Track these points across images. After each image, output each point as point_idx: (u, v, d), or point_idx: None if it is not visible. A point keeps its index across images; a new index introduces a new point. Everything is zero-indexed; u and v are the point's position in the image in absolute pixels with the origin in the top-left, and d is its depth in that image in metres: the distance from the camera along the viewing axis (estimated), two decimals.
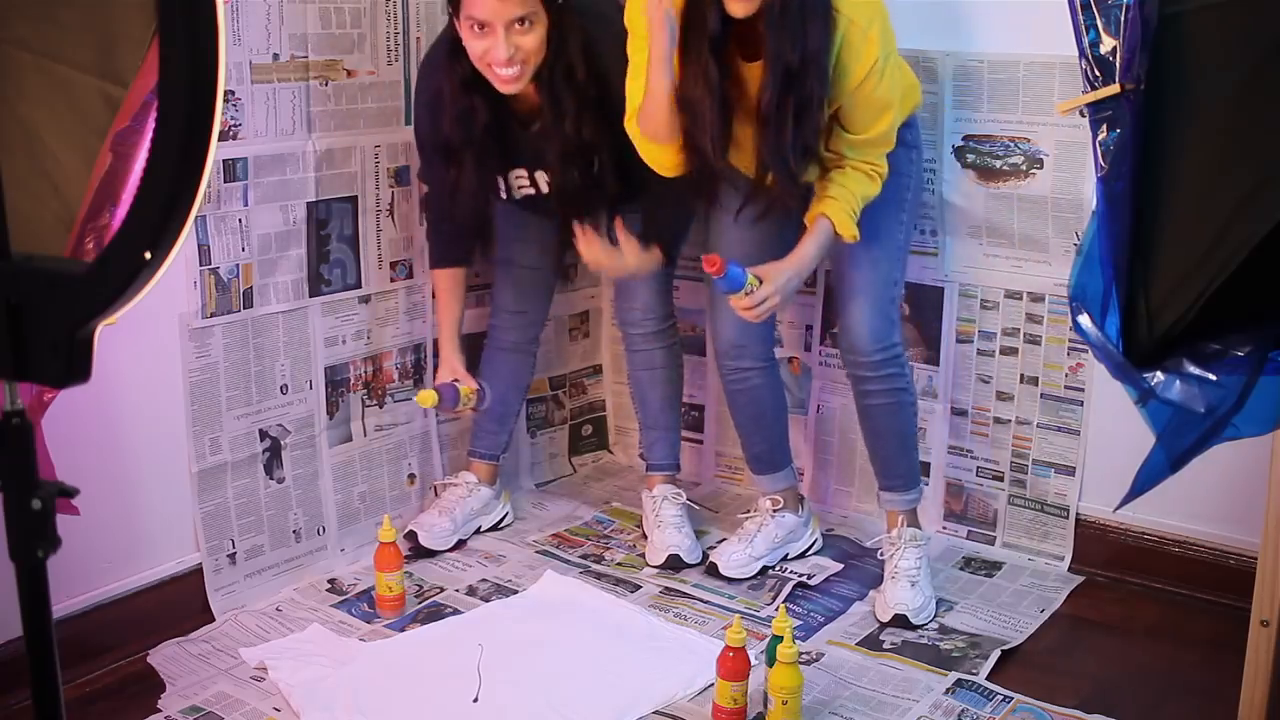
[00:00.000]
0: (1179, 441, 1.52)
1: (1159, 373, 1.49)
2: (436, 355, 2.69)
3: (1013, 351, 2.66)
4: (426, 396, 2.47)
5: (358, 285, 2.60)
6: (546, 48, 2.30)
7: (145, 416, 2.27)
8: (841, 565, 2.63)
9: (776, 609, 2.30)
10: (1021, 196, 2.57)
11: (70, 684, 2.11)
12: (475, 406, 2.59)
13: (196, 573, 2.37)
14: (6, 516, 1.02)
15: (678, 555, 2.60)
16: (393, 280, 2.67)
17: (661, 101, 2.18)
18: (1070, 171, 2.50)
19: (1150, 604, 2.52)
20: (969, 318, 2.70)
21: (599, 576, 2.58)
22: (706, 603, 2.48)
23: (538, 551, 2.71)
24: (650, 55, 2.17)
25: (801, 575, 2.58)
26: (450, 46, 2.36)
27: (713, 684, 2.08)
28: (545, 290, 2.81)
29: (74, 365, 0.98)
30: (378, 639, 2.32)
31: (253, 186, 2.36)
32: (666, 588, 2.54)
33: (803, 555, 2.66)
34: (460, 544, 2.71)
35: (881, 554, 2.52)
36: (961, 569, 2.64)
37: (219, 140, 1.00)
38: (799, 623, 2.37)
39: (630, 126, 2.28)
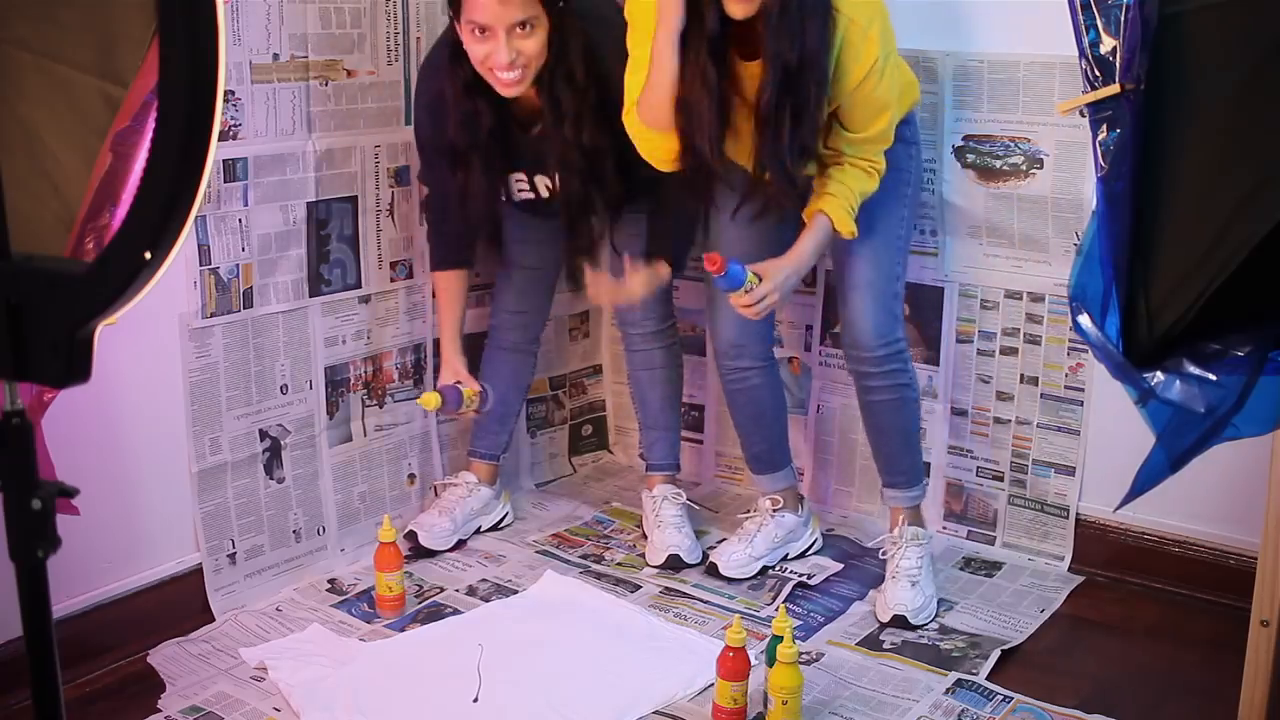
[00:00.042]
0: (1179, 441, 1.52)
1: (1159, 373, 1.49)
2: (437, 355, 2.69)
3: (1013, 351, 2.66)
4: (429, 399, 2.47)
5: (358, 285, 2.60)
6: (548, 51, 2.30)
7: (145, 416, 2.27)
8: (841, 565, 2.63)
9: (776, 609, 2.30)
10: (1021, 196, 2.57)
11: (70, 684, 2.11)
12: (478, 408, 2.59)
13: (196, 573, 2.37)
14: (6, 516, 1.02)
15: (678, 555, 2.60)
16: (393, 280, 2.67)
17: (666, 83, 2.15)
18: (1070, 171, 2.50)
19: (1150, 604, 2.52)
20: (969, 318, 2.70)
21: (599, 576, 2.58)
22: (706, 603, 2.48)
23: (538, 551, 2.71)
24: (657, 35, 2.13)
25: (801, 575, 2.58)
26: (452, 50, 2.35)
27: (713, 684, 2.07)
28: (545, 291, 2.81)
29: (74, 365, 0.98)
30: (378, 639, 2.32)
31: (253, 186, 2.36)
32: (666, 588, 2.54)
33: (803, 555, 2.66)
34: (460, 544, 2.71)
35: (883, 553, 2.51)
36: (961, 569, 2.64)
37: (219, 140, 1.00)
38: (799, 623, 2.37)
39: (629, 119, 2.26)
